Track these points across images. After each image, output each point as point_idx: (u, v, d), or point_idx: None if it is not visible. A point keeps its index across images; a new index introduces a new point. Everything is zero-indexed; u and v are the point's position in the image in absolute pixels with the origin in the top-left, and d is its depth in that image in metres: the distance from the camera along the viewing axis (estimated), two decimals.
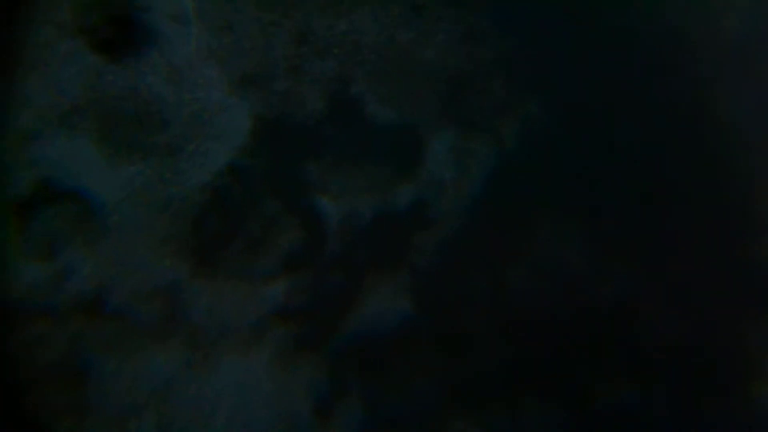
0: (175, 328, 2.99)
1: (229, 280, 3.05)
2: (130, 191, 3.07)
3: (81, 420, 2.88)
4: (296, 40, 3.21)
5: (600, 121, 3.22)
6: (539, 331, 3.03)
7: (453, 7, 3.28)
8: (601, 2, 3.24)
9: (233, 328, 3.01)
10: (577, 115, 3.23)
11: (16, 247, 2.98)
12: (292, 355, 2.98)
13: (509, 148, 3.19)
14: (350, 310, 3.05)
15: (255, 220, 3.09)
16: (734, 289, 3.12)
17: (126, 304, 2.97)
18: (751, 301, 3.10)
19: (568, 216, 3.14)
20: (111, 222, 3.08)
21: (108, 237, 3.03)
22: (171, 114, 3.12)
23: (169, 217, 3.06)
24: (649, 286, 3.10)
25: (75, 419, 2.88)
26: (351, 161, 3.15)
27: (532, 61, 3.25)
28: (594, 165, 3.18)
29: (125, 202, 3.06)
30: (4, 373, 2.91)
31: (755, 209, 3.13)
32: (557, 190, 3.16)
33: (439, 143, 3.18)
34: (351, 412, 2.99)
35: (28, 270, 2.94)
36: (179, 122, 3.13)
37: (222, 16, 3.16)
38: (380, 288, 3.08)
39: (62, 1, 3.11)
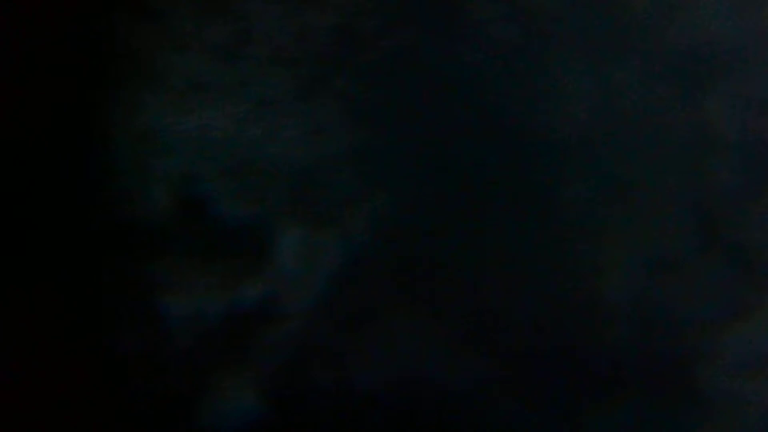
0: None
1: None
2: None
3: None
4: (143, 138, 3.23)
5: (449, 209, 3.28)
6: (383, 425, 3.08)
7: (301, 102, 3.32)
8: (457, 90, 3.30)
9: None
10: (427, 205, 3.28)
11: None
12: None
13: (358, 242, 3.23)
14: (196, 410, 3.08)
15: (100, 323, 3.10)
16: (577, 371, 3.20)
17: None
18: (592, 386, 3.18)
19: (417, 308, 3.19)
20: None
21: None
22: None
23: None
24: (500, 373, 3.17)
25: None
26: (199, 259, 3.17)
27: (381, 153, 3.30)
28: (442, 253, 3.24)
29: None
30: None
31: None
32: (406, 281, 3.21)
33: (287, 238, 3.21)
34: None
35: None
36: None
37: None
38: (227, 386, 3.11)
39: None
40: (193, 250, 3.15)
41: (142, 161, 3.16)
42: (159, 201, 3.16)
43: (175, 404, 3.05)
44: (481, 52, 3.44)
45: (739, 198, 3.21)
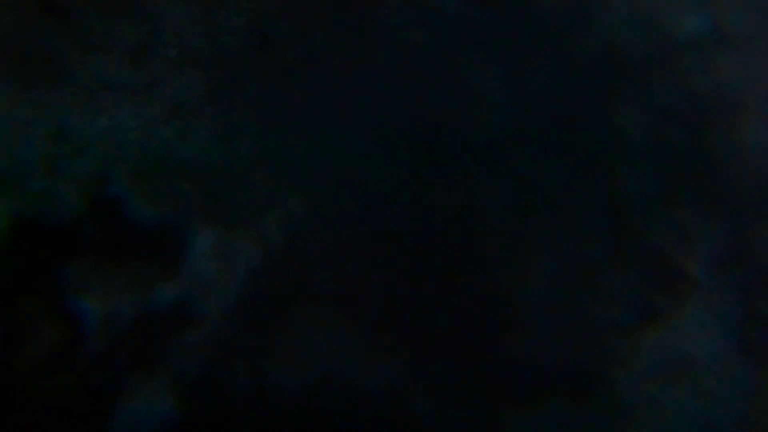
0: None
1: None
2: None
3: None
4: (53, 138, 3.17)
5: (362, 210, 3.34)
6: (300, 426, 3.11)
7: (214, 104, 3.33)
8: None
9: None
10: (340, 207, 3.33)
11: None
12: None
13: (273, 244, 3.25)
14: (111, 413, 3.04)
15: (11, 323, 3.03)
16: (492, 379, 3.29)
17: None
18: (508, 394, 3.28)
19: (333, 309, 3.23)
20: None
21: None
22: None
23: None
24: (414, 376, 3.22)
25: None
26: (111, 260, 3.13)
27: (294, 156, 3.33)
28: (356, 255, 3.29)
29: None
30: None
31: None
32: (322, 283, 3.25)
33: (202, 240, 3.21)
34: None
35: None
36: None
37: None
38: (143, 389, 3.08)
39: None
40: (106, 251, 3.11)
41: (53, 161, 3.11)
42: (70, 202, 3.11)
43: (90, 407, 3.00)
44: (391, 56, 3.52)
45: (651, 204, 3.37)
